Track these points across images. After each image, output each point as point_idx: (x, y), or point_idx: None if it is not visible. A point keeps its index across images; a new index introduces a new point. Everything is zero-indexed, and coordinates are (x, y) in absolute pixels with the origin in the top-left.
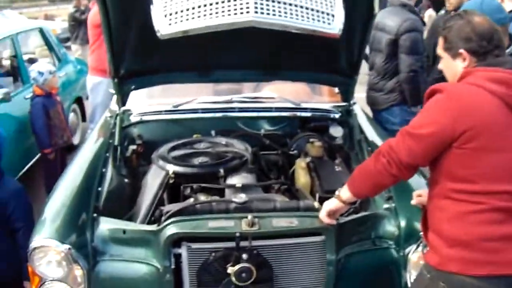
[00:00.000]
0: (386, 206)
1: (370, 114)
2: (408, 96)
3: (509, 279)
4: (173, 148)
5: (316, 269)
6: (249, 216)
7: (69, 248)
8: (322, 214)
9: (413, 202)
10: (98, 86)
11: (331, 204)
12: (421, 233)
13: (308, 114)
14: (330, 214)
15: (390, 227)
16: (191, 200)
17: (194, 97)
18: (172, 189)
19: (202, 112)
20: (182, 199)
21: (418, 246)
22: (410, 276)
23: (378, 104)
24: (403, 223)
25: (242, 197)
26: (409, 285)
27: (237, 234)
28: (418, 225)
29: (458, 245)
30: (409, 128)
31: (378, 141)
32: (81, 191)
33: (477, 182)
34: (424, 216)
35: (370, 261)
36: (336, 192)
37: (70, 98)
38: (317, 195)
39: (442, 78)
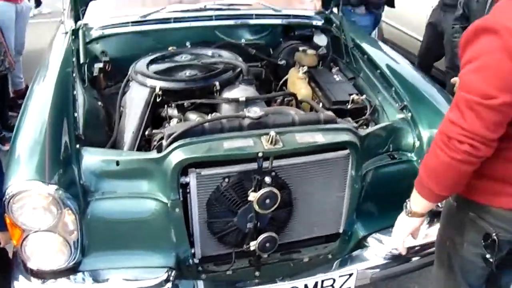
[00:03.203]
0: (401, 116)
1: None
2: None
3: None
4: (152, 62)
5: (337, 187)
6: (272, 132)
7: (57, 189)
8: (399, 243)
9: None
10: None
11: (409, 225)
12: None
13: (292, 21)
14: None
15: (409, 138)
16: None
17: (161, 6)
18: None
19: (175, 22)
20: (169, 120)
21: None
22: None
23: None
24: (424, 133)
25: (256, 111)
26: None
27: (260, 154)
28: None
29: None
30: (479, 99)
31: (369, 47)
32: (57, 118)
33: None
34: None
35: (391, 176)
36: (406, 208)
37: None
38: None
39: None
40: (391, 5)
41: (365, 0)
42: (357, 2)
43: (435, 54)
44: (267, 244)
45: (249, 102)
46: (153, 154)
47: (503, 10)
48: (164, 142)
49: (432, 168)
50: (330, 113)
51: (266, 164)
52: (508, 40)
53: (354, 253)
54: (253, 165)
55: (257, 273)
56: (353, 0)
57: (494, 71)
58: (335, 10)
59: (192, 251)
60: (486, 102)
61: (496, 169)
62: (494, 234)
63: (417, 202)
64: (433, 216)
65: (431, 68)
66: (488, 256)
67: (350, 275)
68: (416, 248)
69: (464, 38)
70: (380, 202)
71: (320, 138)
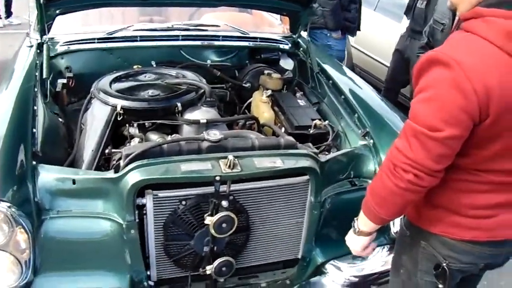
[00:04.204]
0: (363, 142)
1: None
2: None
3: None
4: (115, 80)
5: (296, 213)
6: (230, 156)
7: (9, 206)
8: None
9: None
10: None
11: (357, 243)
12: None
13: (259, 44)
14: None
15: (370, 165)
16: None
17: (129, 24)
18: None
19: (141, 40)
20: (130, 139)
21: None
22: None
23: None
24: None
25: (216, 134)
26: (393, 229)
27: (217, 178)
28: None
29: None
30: (425, 130)
31: (334, 73)
32: (14, 133)
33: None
34: None
35: (351, 203)
36: (355, 228)
37: None
38: (283, 130)
39: None
40: (357, 28)
41: (342, 24)
42: (334, 26)
43: (401, 80)
44: (224, 269)
45: (210, 124)
46: (110, 174)
47: (454, 43)
48: (122, 163)
49: (377, 192)
50: (290, 138)
51: (224, 188)
52: (457, 73)
53: (312, 280)
54: (211, 189)
55: None
56: (330, 24)
57: (442, 104)
58: (303, 34)
59: (148, 273)
60: (431, 134)
61: (446, 199)
62: (444, 264)
63: (363, 222)
64: (393, 243)
65: (397, 94)
66: (440, 286)
67: None
68: (375, 275)
69: (418, 67)
70: (339, 228)
71: (279, 163)
